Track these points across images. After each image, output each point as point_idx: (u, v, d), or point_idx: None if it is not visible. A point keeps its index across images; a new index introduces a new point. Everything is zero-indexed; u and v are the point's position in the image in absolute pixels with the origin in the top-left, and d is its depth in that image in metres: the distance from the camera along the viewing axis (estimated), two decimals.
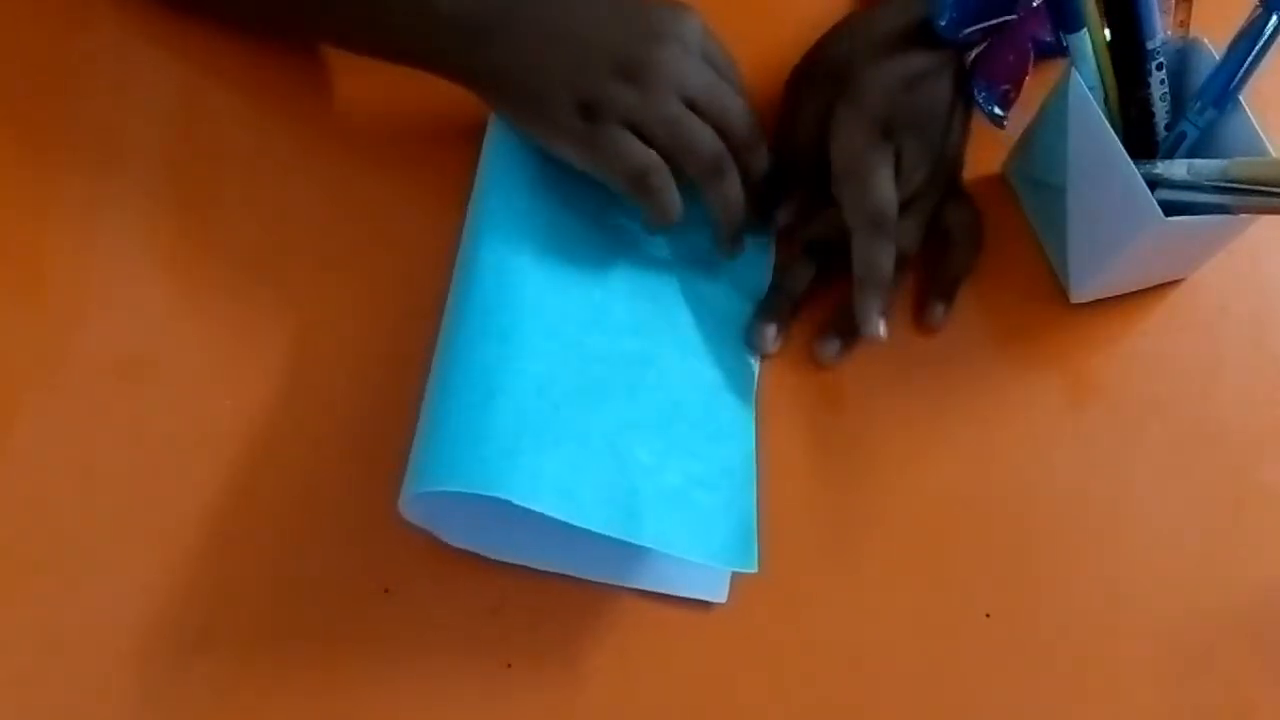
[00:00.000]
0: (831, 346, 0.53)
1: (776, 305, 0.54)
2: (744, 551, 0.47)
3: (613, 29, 0.50)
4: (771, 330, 0.53)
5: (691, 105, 0.50)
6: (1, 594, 0.44)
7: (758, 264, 0.55)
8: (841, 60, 0.53)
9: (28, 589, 0.44)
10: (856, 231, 0.51)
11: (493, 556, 0.46)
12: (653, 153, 0.49)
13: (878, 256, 0.51)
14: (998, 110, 0.54)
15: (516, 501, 0.41)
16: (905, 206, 0.52)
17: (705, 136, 0.50)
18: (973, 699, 0.47)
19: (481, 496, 0.41)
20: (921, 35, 0.53)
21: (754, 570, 0.47)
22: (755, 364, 0.53)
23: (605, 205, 0.52)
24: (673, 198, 0.50)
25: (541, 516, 0.42)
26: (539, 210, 0.51)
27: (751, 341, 0.53)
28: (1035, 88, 0.56)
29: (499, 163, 0.52)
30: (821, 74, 0.54)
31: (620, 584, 0.47)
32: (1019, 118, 0.57)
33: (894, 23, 0.54)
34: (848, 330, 0.53)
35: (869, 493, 0.50)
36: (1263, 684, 0.49)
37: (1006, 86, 0.53)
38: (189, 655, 0.44)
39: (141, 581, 0.45)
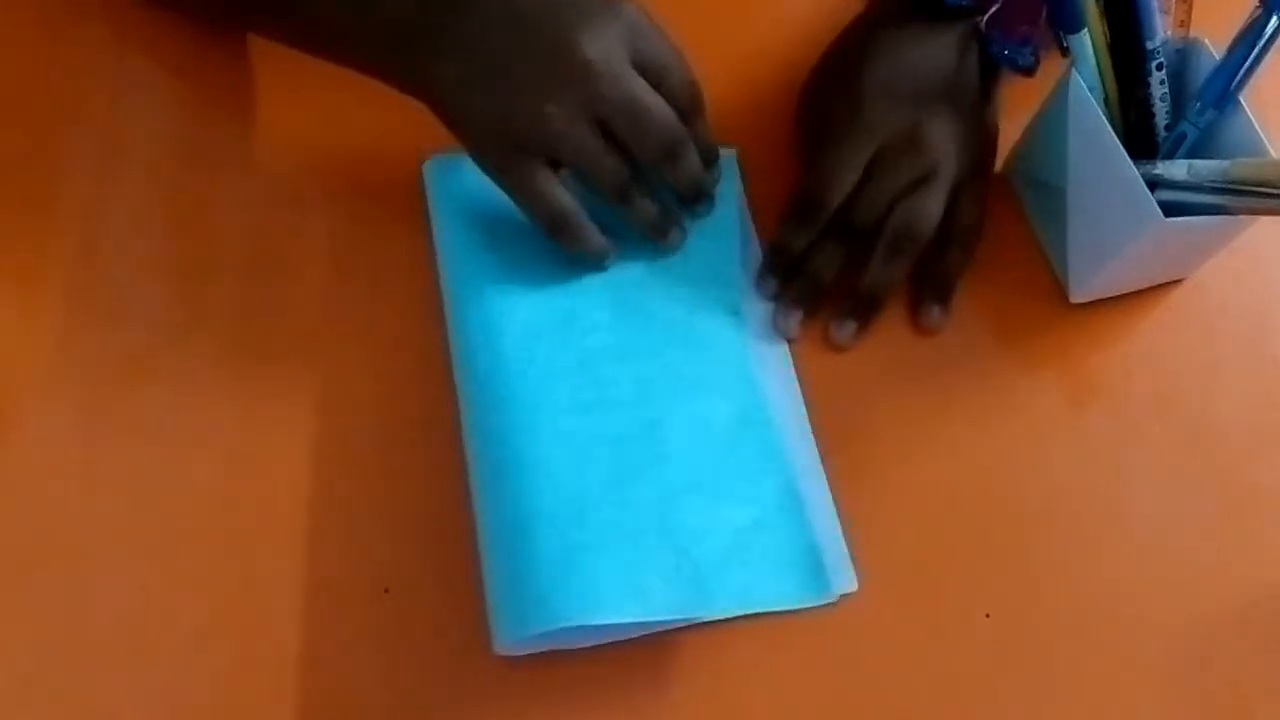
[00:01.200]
0: (848, 329, 0.53)
1: (801, 290, 0.54)
2: (817, 582, 0.47)
3: (540, 40, 0.48)
4: (797, 315, 0.53)
5: (603, 124, 0.48)
6: (1, 594, 0.44)
7: (730, 284, 0.54)
8: (858, 84, 0.53)
9: (28, 589, 0.44)
10: (884, 248, 0.52)
11: (608, 640, 0.45)
12: (567, 199, 0.49)
13: (890, 279, 0.53)
14: (1021, 60, 0.54)
15: (593, 622, 0.41)
16: (925, 181, 0.52)
17: (609, 166, 0.49)
18: (973, 699, 0.47)
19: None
20: (930, 16, 0.54)
21: (853, 589, 0.47)
22: (755, 375, 0.52)
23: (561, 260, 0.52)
24: (595, 239, 0.50)
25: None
26: (514, 285, 0.51)
27: (776, 325, 0.53)
28: (1036, 87, 0.56)
29: (452, 236, 0.52)
30: (841, 98, 0.54)
31: (743, 613, 0.46)
32: (1019, 118, 0.58)
33: (899, 18, 0.55)
34: (864, 313, 0.53)
35: (868, 492, 0.50)
36: (1263, 684, 0.49)
37: (1024, 28, 0.53)
38: (189, 655, 0.44)
39: (141, 581, 0.45)
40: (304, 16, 0.51)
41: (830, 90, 0.55)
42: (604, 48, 0.48)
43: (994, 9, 0.54)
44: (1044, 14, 0.53)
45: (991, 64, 0.55)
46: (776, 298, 0.54)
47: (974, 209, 0.55)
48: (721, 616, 0.45)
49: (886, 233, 0.53)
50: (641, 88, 0.49)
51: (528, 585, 0.43)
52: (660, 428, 0.49)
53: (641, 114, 0.49)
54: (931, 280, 0.55)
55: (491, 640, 0.43)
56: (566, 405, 0.48)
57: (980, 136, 0.55)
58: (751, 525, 0.47)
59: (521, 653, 0.44)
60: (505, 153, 0.49)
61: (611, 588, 0.43)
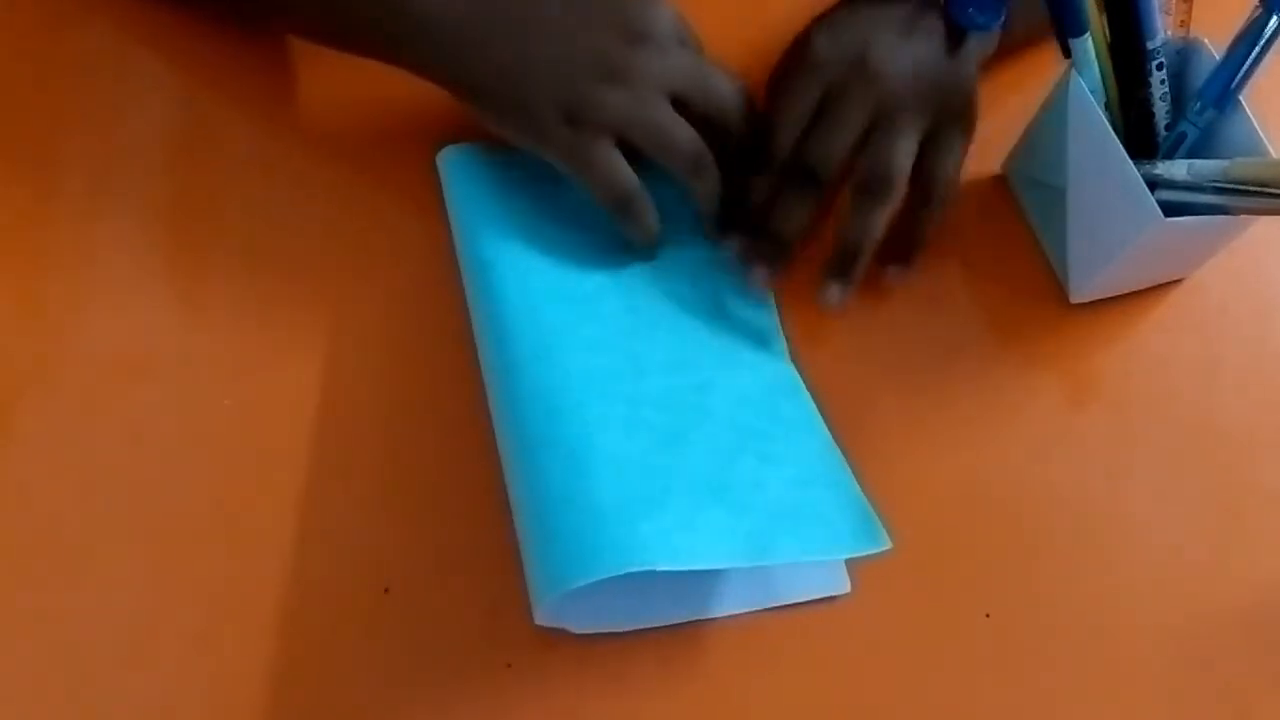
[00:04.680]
0: (833, 291, 0.52)
1: (763, 248, 0.52)
2: (870, 532, 0.46)
3: (590, 32, 0.49)
4: (763, 272, 0.52)
5: (679, 97, 0.49)
6: (1, 594, 0.44)
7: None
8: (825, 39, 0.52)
9: (28, 589, 0.44)
10: (855, 194, 0.50)
11: (624, 629, 0.45)
12: (635, 179, 0.49)
13: (868, 227, 0.50)
14: (981, 20, 0.51)
15: (659, 568, 0.41)
16: (888, 118, 0.50)
17: (685, 137, 0.49)
18: (973, 699, 0.47)
19: (609, 577, 0.41)
20: None
21: (889, 546, 0.46)
22: (783, 352, 0.53)
23: (593, 235, 0.52)
24: (652, 221, 0.51)
25: (666, 573, 0.41)
26: (543, 266, 0.51)
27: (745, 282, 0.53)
28: (1035, 87, 0.56)
29: (476, 222, 0.52)
30: (808, 59, 0.52)
31: (749, 610, 0.47)
32: (1019, 118, 0.58)
33: None
34: (847, 269, 0.51)
35: (867, 492, 0.49)
36: (1263, 684, 0.49)
37: None
38: (189, 655, 0.44)
39: (141, 581, 0.45)
40: (326, 9, 0.51)
41: (783, 60, 0.54)
42: (664, 33, 0.49)
43: None
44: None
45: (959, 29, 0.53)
46: (741, 255, 0.53)
47: (945, 160, 0.52)
48: (783, 562, 0.46)
49: (855, 177, 0.51)
50: (702, 64, 0.50)
51: (591, 534, 0.42)
52: (703, 394, 0.49)
53: (716, 81, 0.50)
54: (897, 236, 0.53)
55: (535, 604, 0.43)
56: (614, 374, 0.48)
57: (951, 82, 0.52)
58: (801, 482, 0.47)
59: (558, 624, 0.44)
60: (567, 134, 0.49)
61: (678, 535, 0.43)
